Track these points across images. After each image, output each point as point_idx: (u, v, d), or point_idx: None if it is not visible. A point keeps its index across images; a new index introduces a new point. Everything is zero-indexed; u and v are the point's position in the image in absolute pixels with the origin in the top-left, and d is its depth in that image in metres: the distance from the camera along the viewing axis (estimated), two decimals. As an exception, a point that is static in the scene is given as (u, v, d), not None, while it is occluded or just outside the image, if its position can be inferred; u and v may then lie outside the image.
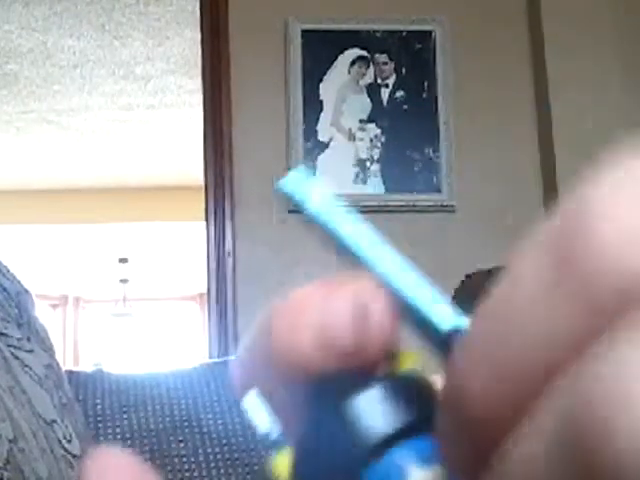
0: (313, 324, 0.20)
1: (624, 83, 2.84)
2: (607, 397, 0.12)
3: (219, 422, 1.02)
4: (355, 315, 0.20)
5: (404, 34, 2.85)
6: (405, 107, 2.82)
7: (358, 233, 0.21)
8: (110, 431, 1.00)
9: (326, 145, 2.76)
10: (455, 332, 0.20)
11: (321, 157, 2.75)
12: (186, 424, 1.02)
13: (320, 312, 0.20)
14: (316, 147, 2.75)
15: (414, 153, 2.78)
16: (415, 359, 0.21)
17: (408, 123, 2.80)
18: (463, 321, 0.20)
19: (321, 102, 2.78)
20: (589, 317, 0.13)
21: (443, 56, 2.84)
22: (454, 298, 2.00)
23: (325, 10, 2.83)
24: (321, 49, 2.81)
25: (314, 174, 2.74)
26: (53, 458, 0.72)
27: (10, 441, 0.64)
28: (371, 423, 0.19)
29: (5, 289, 0.84)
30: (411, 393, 0.20)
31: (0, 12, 4.01)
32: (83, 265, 7.83)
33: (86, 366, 7.83)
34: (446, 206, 2.78)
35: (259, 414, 0.21)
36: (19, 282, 0.90)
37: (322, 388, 0.20)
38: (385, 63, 2.83)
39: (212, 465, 0.99)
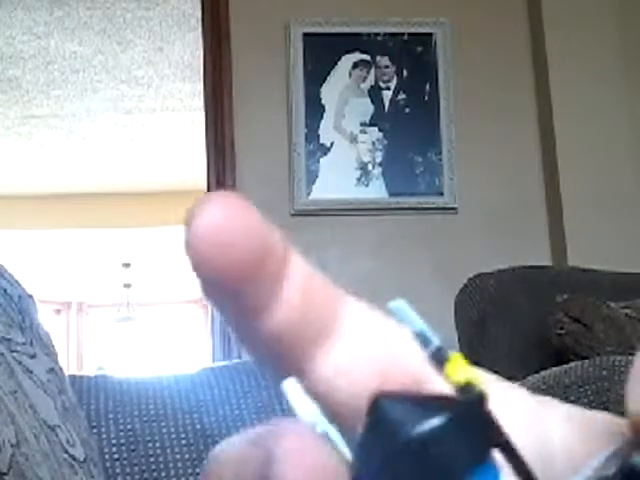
0: None
1: (626, 83, 2.83)
2: None
3: (222, 425, 1.02)
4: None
5: (405, 37, 2.85)
6: (407, 110, 2.82)
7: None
8: (113, 435, 1.00)
9: (328, 148, 2.76)
10: (440, 348, 0.21)
11: (323, 160, 2.75)
12: (190, 428, 1.02)
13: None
14: (318, 150, 2.75)
15: (416, 156, 2.78)
16: (463, 365, 0.20)
17: (410, 126, 2.80)
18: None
19: (323, 105, 2.78)
20: None
21: (444, 59, 2.84)
22: (457, 300, 1.99)
23: (326, 14, 2.84)
24: (322, 52, 2.81)
25: (316, 177, 2.74)
26: (56, 463, 0.72)
27: (13, 446, 0.64)
28: (443, 457, 0.18)
29: (8, 294, 0.84)
30: (477, 420, 0.19)
31: (2, 17, 4.02)
32: (86, 270, 7.83)
33: (89, 371, 7.83)
34: (448, 208, 2.78)
35: (302, 402, 0.20)
36: (22, 287, 0.90)
37: (382, 416, 0.19)
38: (386, 66, 2.83)
39: (216, 469, 0.99)
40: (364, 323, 0.23)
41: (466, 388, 0.20)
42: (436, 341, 0.21)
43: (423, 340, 0.21)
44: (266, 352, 0.22)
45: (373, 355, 0.22)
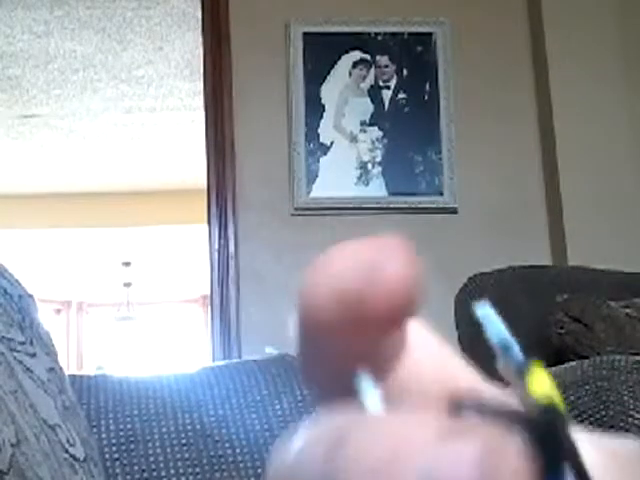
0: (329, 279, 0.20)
1: (626, 83, 2.83)
2: None
3: (222, 425, 1.02)
4: (363, 266, 0.20)
5: (405, 36, 2.85)
6: (406, 109, 2.82)
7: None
8: (113, 435, 1.00)
9: (328, 148, 2.76)
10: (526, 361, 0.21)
11: (323, 160, 2.75)
12: (189, 427, 1.02)
13: (336, 267, 0.21)
14: (318, 150, 2.75)
15: (416, 155, 2.78)
16: (545, 381, 0.20)
17: (409, 125, 2.80)
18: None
19: (323, 105, 2.78)
20: None
21: (444, 59, 2.84)
22: (457, 299, 1.99)
23: (326, 13, 2.84)
24: (322, 52, 2.81)
25: (316, 176, 2.74)
26: (56, 462, 0.72)
27: (13, 445, 0.64)
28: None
29: (8, 293, 0.84)
30: (556, 444, 0.19)
31: (2, 16, 4.02)
32: (86, 269, 7.83)
33: (89, 370, 7.83)
34: (448, 208, 2.78)
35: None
36: (22, 286, 0.90)
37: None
38: (386, 65, 2.83)
39: (216, 468, 0.99)
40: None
41: (547, 407, 0.19)
42: (518, 352, 0.21)
43: (505, 349, 0.21)
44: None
45: None
